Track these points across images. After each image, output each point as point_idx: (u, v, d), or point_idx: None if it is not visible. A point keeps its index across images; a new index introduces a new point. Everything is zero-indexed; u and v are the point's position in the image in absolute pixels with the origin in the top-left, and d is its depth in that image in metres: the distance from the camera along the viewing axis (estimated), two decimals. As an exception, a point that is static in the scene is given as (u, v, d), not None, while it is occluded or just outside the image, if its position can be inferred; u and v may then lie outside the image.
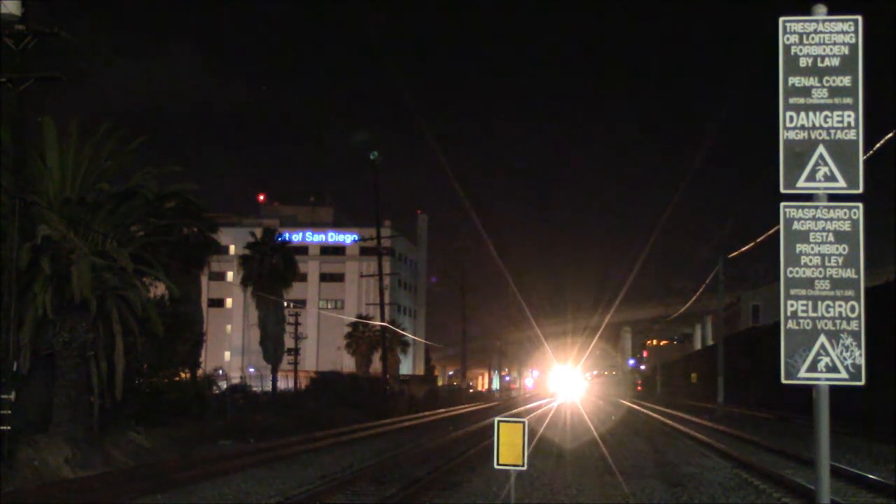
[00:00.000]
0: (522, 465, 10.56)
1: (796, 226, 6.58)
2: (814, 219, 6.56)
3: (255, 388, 45.94)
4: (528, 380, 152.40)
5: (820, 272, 6.53)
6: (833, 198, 6.58)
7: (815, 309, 6.51)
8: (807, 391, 6.59)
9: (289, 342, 55.22)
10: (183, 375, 33.41)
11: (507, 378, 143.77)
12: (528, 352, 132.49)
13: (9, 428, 17.54)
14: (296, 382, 56.59)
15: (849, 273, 6.52)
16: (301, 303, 79.82)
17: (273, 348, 50.61)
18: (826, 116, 6.58)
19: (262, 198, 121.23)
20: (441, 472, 18.49)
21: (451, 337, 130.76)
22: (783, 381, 6.58)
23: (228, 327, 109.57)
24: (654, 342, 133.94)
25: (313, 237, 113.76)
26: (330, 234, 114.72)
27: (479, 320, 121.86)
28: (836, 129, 6.56)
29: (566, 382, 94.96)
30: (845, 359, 6.45)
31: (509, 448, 10.48)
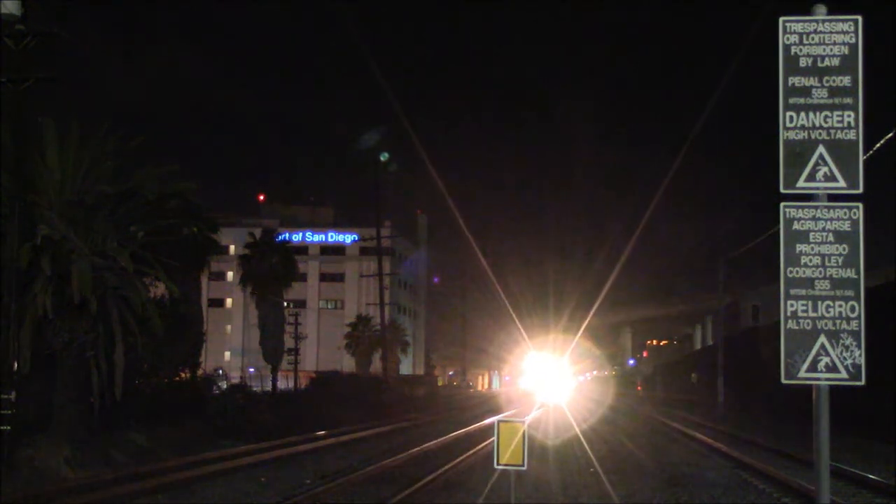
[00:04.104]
0: (522, 465, 10.57)
1: (796, 226, 6.58)
2: (814, 219, 6.56)
3: (255, 388, 45.90)
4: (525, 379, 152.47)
5: (820, 272, 6.53)
6: (833, 198, 6.59)
7: (815, 309, 6.51)
8: (807, 391, 6.60)
9: (289, 342, 55.21)
10: (183, 375, 33.36)
11: (507, 378, 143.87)
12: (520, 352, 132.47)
13: (9, 428, 17.55)
14: (296, 382, 56.61)
15: (849, 273, 6.51)
16: (301, 303, 79.78)
17: (273, 348, 50.62)
18: (826, 116, 6.58)
19: (262, 198, 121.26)
20: (441, 471, 18.48)
21: (451, 336, 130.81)
22: (783, 381, 6.57)
23: (228, 327, 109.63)
24: (654, 342, 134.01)
25: (313, 237, 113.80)
26: (330, 234, 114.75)
27: (479, 320, 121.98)
28: (836, 129, 6.56)
29: (552, 383, 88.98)
30: (845, 359, 6.45)
31: (509, 448, 10.49)
